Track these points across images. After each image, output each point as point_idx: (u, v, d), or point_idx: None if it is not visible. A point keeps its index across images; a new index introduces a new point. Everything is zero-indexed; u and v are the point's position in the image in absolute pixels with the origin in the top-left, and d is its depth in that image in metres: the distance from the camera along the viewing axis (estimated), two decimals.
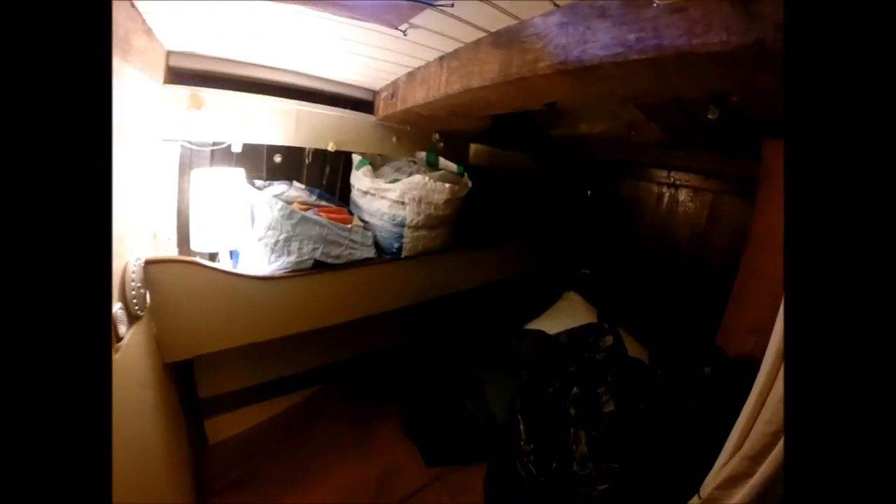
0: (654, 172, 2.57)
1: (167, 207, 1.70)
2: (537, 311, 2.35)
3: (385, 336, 2.31)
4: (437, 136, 2.30)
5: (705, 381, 1.39)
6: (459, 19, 1.27)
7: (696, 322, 1.77)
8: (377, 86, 1.95)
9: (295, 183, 1.94)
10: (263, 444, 1.88)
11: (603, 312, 1.94)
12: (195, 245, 1.71)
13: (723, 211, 2.25)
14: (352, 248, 1.95)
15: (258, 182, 1.89)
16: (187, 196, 1.73)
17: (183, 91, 1.56)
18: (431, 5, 1.16)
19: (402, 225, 2.01)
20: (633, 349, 1.82)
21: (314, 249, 1.84)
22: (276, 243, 1.78)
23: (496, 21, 1.26)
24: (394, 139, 2.13)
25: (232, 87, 1.67)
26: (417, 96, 1.67)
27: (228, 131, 1.70)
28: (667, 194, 2.53)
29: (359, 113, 2.00)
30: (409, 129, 2.17)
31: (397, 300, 2.15)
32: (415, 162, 2.21)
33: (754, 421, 1.03)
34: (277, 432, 1.95)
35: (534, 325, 2.25)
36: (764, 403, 1.01)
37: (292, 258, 1.80)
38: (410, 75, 1.72)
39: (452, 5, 1.15)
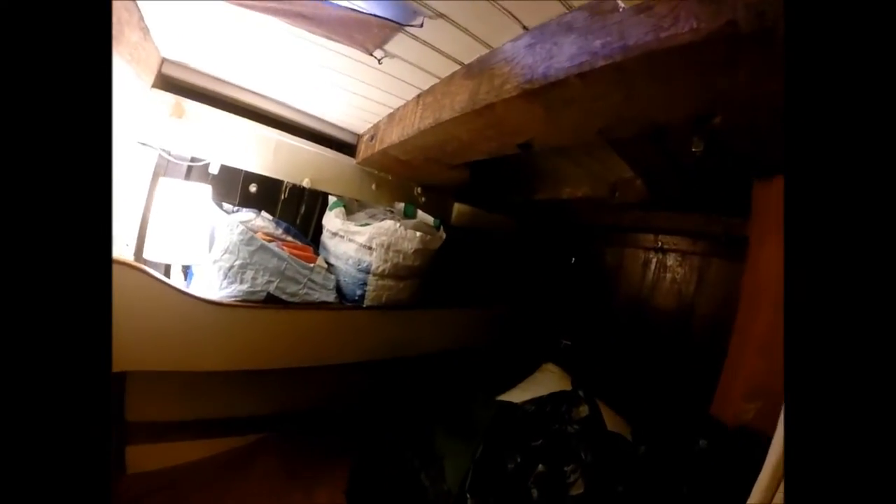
0: (640, 237, 2.50)
1: (132, 213, 1.60)
2: (511, 382, 2.12)
3: (340, 390, 2.06)
4: (418, 189, 2.26)
5: (700, 456, 1.16)
6: (433, 48, 1.27)
7: (686, 395, 1.55)
8: (360, 129, 1.95)
9: (263, 213, 1.85)
10: (188, 484, 1.59)
11: (579, 380, 1.72)
12: (148, 253, 1.58)
13: (711, 276, 2.15)
14: (310, 287, 1.81)
15: (227, 206, 1.80)
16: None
17: (168, 97, 1.55)
18: (400, 25, 1.15)
19: (366, 271, 1.88)
20: (615, 424, 1.58)
21: (269, 282, 1.70)
22: (230, 268, 1.65)
23: (470, 51, 1.26)
24: (373, 186, 2.09)
25: (217, 106, 1.66)
26: (394, 135, 1.65)
27: (206, 147, 1.67)
28: (654, 260, 2.44)
29: (340, 154, 1.97)
30: (390, 178, 2.14)
31: (356, 353, 1.95)
32: (392, 211, 2.14)
33: (771, 499, 0.82)
34: (207, 476, 1.65)
35: (506, 397, 2.00)
36: (781, 479, 0.81)
37: (244, 287, 1.66)
38: (391, 116, 1.72)
39: (422, 25, 1.15)
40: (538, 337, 2.74)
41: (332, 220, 1.93)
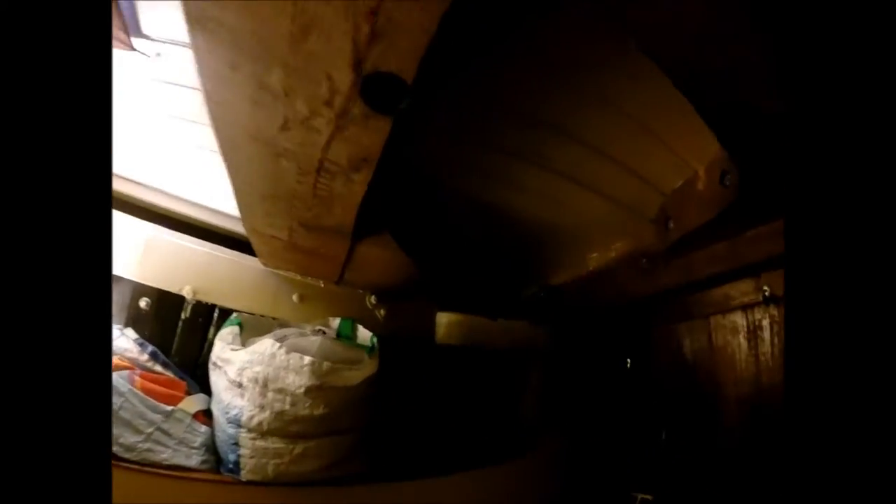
0: (731, 291, 1.48)
1: None
2: None
3: None
4: (372, 298, 1.60)
5: None
6: None
7: None
8: None
9: (128, 331, 1.41)
10: None
11: None
12: None
13: None
14: (157, 441, 1.23)
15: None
16: None
17: None
18: None
19: (237, 423, 1.23)
20: None
21: None
22: None
23: None
24: (294, 297, 1.53)
25: None
26: None
27: None
28: (765, 323, 1.37)
29: (241, 255, 1.50)
30: (321, 284, 1.56)
31: None
32: (323, 331, 1.50)
33: None
34: None
35: None
36: None
37: None
38: None
39: None
40: (597, 495, 1.68)
41: (216, 345, 1.39)
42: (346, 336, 1.49)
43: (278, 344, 1.23)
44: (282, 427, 1.22)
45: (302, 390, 1.21)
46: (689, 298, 1.59)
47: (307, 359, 1.21)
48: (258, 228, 1.23)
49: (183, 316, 1.55)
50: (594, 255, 1.60)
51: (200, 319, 1.55)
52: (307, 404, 1.22)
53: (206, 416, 1.35)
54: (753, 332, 1.49)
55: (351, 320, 1.50)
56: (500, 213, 1.40)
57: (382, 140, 0.78)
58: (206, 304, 1.53)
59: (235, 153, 0.92)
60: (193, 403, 1.34)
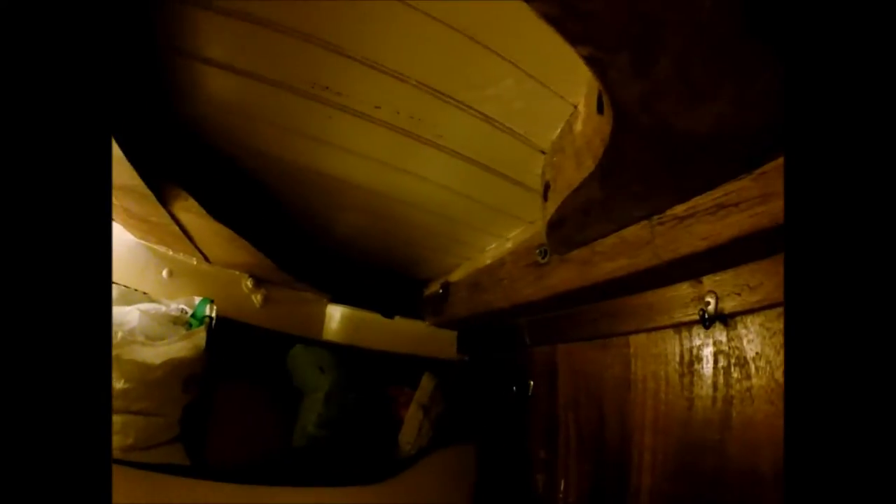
0: (657, 303, 1.08)
1: None
2: None
3: None
4: (248, 282, 1.48)
5: None
6: None
7: None
8: None
9: None
10: None
11: None
12: None
13: None
14: None
15: None
16: None
17: None
18: None
19: None
20: None
21: None
22: None
23: None
24: (164, 273, 1.46)
25: None
26: None
27: None
28: (707, 353, 0.99)
29: (117, 224, 1.47)
30: (195, 261, 1.48)
31: None
32: (186, 311, 1.41)
33: None
34: None
35: None
36: None
37: None
38: None
39: None
40: None
41: None
42: (198, 317, 1.38)
43: None
44: None
45: None
46: (600, 309, 1.23)
47: None
48: None
49: None
50: (492, 247, 1.35)
51: None
52: None
53: None
54: (689, 364, 1.10)
55: (209, 301, 1.39)
56: (346, 187, 1.21)
57: None
58: None
59: None
60: None
